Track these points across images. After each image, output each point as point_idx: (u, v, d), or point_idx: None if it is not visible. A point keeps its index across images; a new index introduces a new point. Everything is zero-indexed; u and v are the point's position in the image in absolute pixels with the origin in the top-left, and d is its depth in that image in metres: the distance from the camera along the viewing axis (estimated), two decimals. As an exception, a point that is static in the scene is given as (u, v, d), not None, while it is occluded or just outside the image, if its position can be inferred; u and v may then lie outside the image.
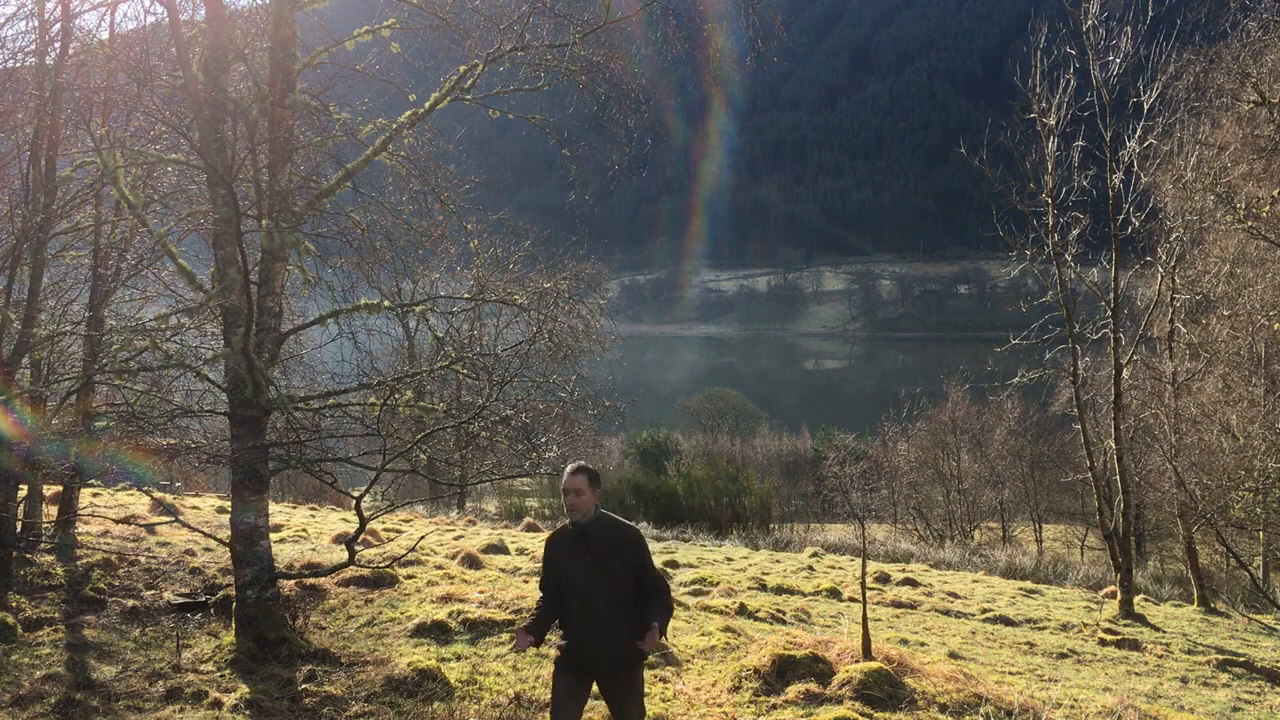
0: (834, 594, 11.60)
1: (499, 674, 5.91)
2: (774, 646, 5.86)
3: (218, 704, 5.53)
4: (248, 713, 5.44)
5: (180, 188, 8.87)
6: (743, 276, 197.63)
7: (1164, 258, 15.57)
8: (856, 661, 5.66)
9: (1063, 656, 8.97)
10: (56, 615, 7.44)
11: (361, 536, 7.55)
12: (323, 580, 8.06)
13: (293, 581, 7.95)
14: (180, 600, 8.02)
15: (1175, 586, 18.04)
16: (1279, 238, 12.87)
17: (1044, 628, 10.90)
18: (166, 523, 11.30)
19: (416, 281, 17.14)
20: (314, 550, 10.70)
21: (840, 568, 15.36)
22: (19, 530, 8.65)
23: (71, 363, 9.25)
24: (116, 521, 11.11)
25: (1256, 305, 15.14)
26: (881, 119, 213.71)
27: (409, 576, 8.71)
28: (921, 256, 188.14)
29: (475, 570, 10.03)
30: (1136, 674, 8.39)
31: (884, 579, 13.97)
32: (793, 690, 5.44)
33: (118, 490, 16.56)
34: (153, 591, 8.36)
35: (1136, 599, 13.56)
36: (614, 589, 4.05)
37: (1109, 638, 10.18)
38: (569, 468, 4.14)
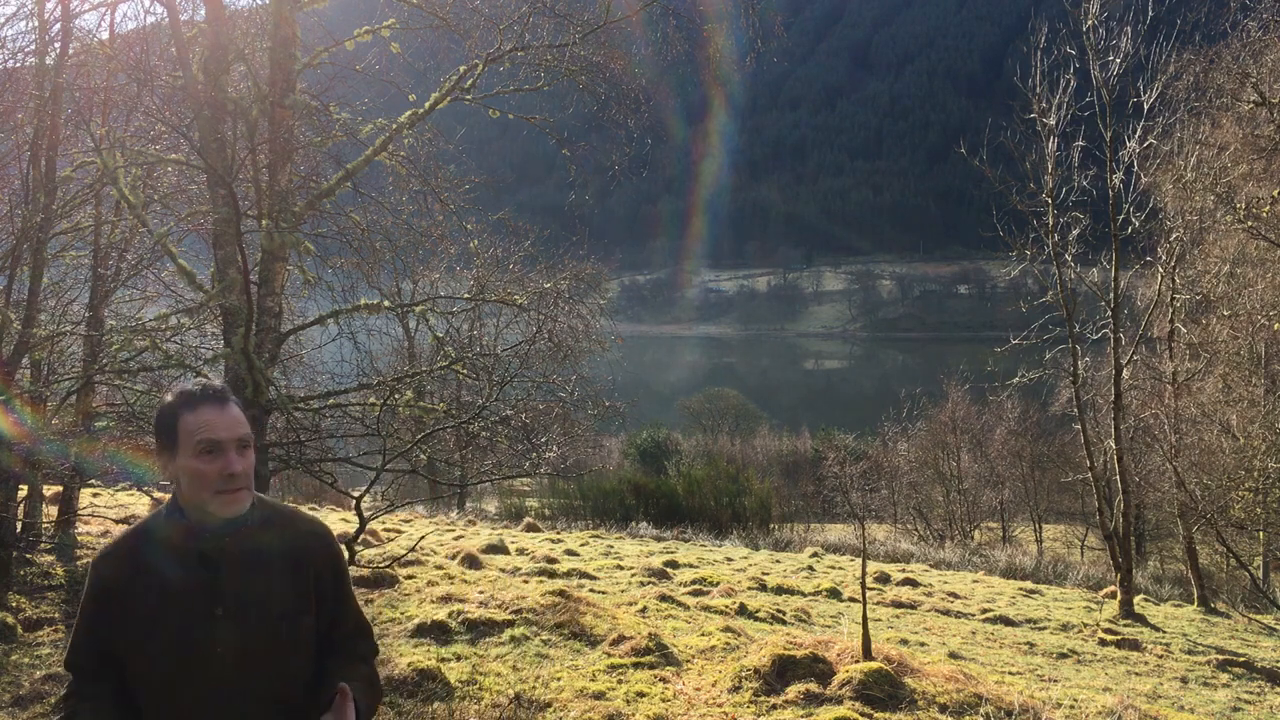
0: (834, 594, 11.60)
1: (499, 674, 5.91)
2: (774, 646, 5.86)
3: (218, 704, 5.53)
4: (248, 713, 5.43)
5: (180, 188, 8.88)
6: (743, 276, 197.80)
7: (1164, 258, 15.57)
8: (856, 661, 5.66)
9: (1063, 656, 8.97)
10: (56, 615, 7.44)
11: (361, 536, 7.56)
12: (323, 580, 8.05)
13: (293, 581, 7.94)
14: (180, 600, 8.00)
15: (1175, 586, 18.04)
16: (1279, 238, 12.87)
17: (1044, 628, 10.90)
18: (166, 523, 11.28)
19: (416, 281, 17.15)
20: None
21: (840, 568, 15.36)
22: (19, 530, 8.66)
23: (71, 363, 9.25)
24: (116, 521, 11.11)
25: (1256, 305, 15.14)
26: (881, 119, 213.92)
27: (409, 576, 8.71)
28: (921, 256, 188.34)
29: (475, 570, 10.03)
30: (1136, 674, 8.39)
31: (884, 579, 13.97)
32: (793, 690, 5.44)
33: (118, 490, 16.55)
34: (153, 591, 8.35)
35: (1136, 599, 13.56)
36: (278, 678, 1.97)
37: (1109, 638, 10.18)
38: (192, 388, 1.96)
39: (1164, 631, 11.72)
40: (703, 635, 6.94)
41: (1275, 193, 12.51)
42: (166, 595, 1.93)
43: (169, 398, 1.99)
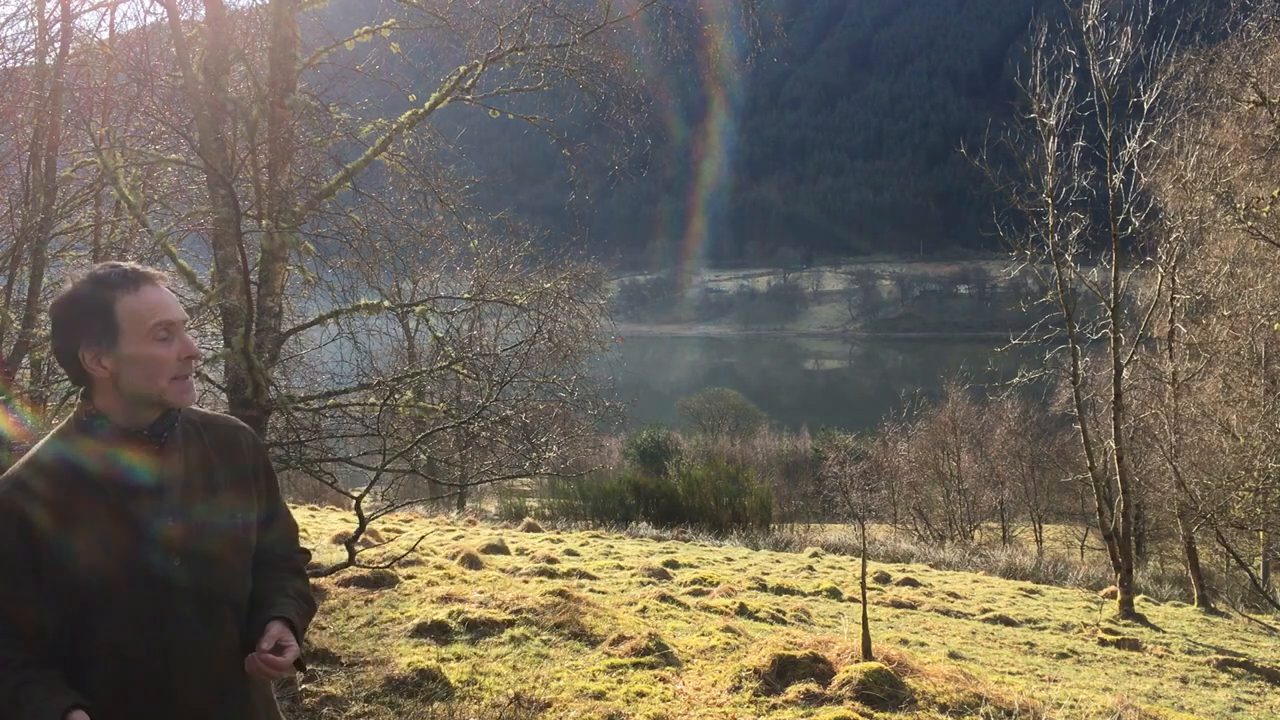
0: (834, 594, 11.60)
1: (499, 674, 5.91)
2: (774, 646, 5.86)
3: (218, 704, 5.51)
4: (248, 713, 5.42)
5: (180, 188, 8.88)
6: (743, 276, 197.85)
7: (1164, 258, 15.58)
8: (856, 661, 5.65)
9: (1063, 656, 8.97)
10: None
11: (361, 536, 7.56)
12: (323, 580, 8.06)
13: (293, 581, 7.92)
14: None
15: (1175, 586, 18.05)
16: (1279, 238, 12.87)
17: (1044, 628, 10.90)
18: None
19: (416, 281, 17.14)
20: (314, 550, 10.70)
21: (840, 568, 15.36)
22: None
23: (71, 363, 9.24)
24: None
25: (1256, 305, 15.15)
26: (881, 119, 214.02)
27: (409, 576, 8.72)
28: (921, 256, 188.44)
29: (475, 570, 10.03)
30: (1136, 674, 8.39)
31: (884, 579, 13.97)
32: (793, 690, 5.44)
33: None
34: (153, 591, 8.34)
35: (1136, 599, 13.56)
36: (232, 586, 1.81)
37: (1109, 638, 10.19)
38: (113, 271, 1.74)
39: (1164, 631, 11.72)
40: (703, 635, 6.94)
41: (1275, 193, 12.51)
42: (105, 516, 1.67)
43: (76, 284, 1.72)
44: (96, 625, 1.67)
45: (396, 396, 7.65)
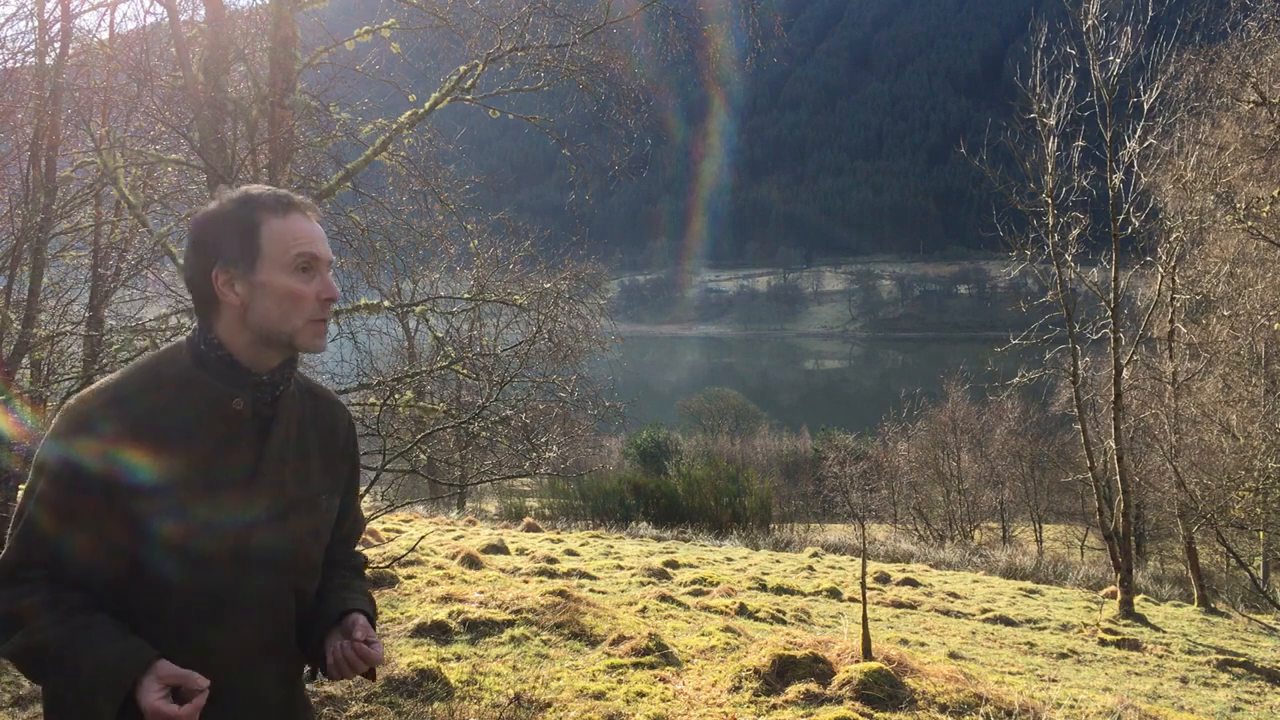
0: (834, 594, 11.61)
1: (499, 674, 5.91)
2: (774, 646, 5.86)
3: (218, 704, 5.51)
4: (248, 713, 5.41)
5: (180, 188, 8.88)
6: (743, 276, 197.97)
7: (1164, 258, 15.58)
8: (856, 661, 5.66)
9: (1063, 656, 8.97)
10: (56, 615, 7.42)
11: (361, 536, 7.55)
12: (323, 580, 8.06)
13: (293, 581, 7.92)
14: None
15: (1175, 586, 18.05)
16: (1279, 238, 12.87)
17: (1044, 628, 10.91)
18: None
19: (416, 281, 17.14)
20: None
21: (840, 568, 15.36)
22: (19, 530, 8.63)
23: (71, 363, 9.24)
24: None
25: (1256, 305, 15.16)
26: (881, 119, 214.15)
27: (409, 576, 8.72)
28: (921, 256, 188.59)
29: (475, 570, 10.03)
30: (1137, 674, 8.39)
31: (884, 579, 13.97)
32: (793, 690, 5.44)
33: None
34: (153, 591, 8.34)
35: (1136, 599, 13.56)
36: (305, 566, 1.64)
37: (1109, 638, 10.19)
38: (267, 191, 1.57)
39: (1164, 631, 11.72)
40: (703, 635, 6.94)
41: (1275, 193, 12.52)
42: (197, 460, 1.48)
43: (223, 201, 1.55)
44: (156, 575, 1.47)
45: (396, 396, 7.66)
